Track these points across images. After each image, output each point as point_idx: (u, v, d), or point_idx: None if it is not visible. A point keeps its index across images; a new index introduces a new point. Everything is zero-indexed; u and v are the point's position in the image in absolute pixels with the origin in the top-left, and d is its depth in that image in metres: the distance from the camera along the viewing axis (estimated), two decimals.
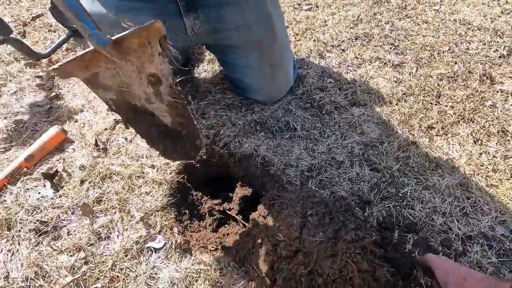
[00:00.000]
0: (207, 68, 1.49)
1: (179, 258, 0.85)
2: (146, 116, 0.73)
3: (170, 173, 1.04)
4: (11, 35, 1.27)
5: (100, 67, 0.64)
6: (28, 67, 1.45)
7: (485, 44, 1.54)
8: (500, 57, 1.48)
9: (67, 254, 0.84)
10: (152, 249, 0.87)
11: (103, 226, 0.91)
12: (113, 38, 0.59)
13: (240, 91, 1.30)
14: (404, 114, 1.24)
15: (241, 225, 1.00)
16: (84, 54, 0.61)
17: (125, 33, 0.60)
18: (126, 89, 0.68)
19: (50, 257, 0.83)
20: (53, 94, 1.33)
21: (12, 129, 1.20)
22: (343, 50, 1.56)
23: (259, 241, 0.79)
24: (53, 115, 1.26)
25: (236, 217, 1.01)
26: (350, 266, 0.68)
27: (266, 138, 1.16)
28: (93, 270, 0.82)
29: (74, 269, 0.82)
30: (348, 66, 1.48)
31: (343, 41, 1.60)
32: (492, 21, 1.67)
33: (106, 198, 0.98)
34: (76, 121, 1.23)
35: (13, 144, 1.14)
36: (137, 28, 0.60)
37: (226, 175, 1.09)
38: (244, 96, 1.30)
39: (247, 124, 1.21)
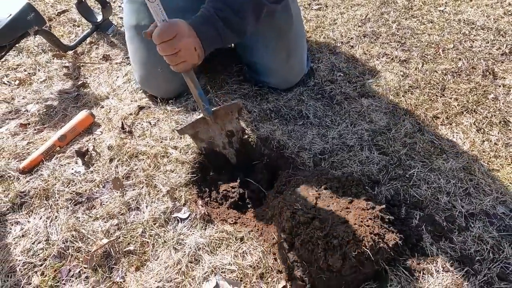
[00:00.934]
0: (224, 61, 1.57)
1: (203, 227, 0.93)
2: (221, 157, 1.13)
3: (192, 154, 1.12)
4: (43, 27, 1.37)
5: (200, 128, 1.02)
6: (55, 58, 1.54)
7: (488, 42, 1.62)
8: (502, 54, 1.55)
9: (102, 221, 0.92)
10: (178, 219, 0.94)
11: (133, 198, 0.98)
12: (213, 109, 0.97)
13: (255, 75, 1.37)
14: (411, 105, 1.32)
15: (257, 203, 1.07)
16: (197, 120, 0.99)
17: (220, 107, 0.99)
18: (212, 140, 1.07)
19: (86, 222, 0.91)
20: (80, 82, 1.42)
21: (44, 113, 1.28)
22: (352, 46, 1.64)
23: (278, 210, 0.86)
24: (80, 101, 1.35)
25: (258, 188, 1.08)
26: (363, 228, 0.75)
27: (281, 124, 1.23)
28: (125, 235, 0.89)
29: (108, 233, 0.89)
30: (356, 61, 1.55)
31: (352, 38, 1.69)
32: (495, 21, 1.75)
33: (134, 175, 1.05)
34: (102, 107, 1.32)
35: (45, 126, 1.23)
36: (228, 104, 0.99)
37: (244, 156, 1.16)
38: (259, 81, 1.37)
39: (263, 112, 1.29)
